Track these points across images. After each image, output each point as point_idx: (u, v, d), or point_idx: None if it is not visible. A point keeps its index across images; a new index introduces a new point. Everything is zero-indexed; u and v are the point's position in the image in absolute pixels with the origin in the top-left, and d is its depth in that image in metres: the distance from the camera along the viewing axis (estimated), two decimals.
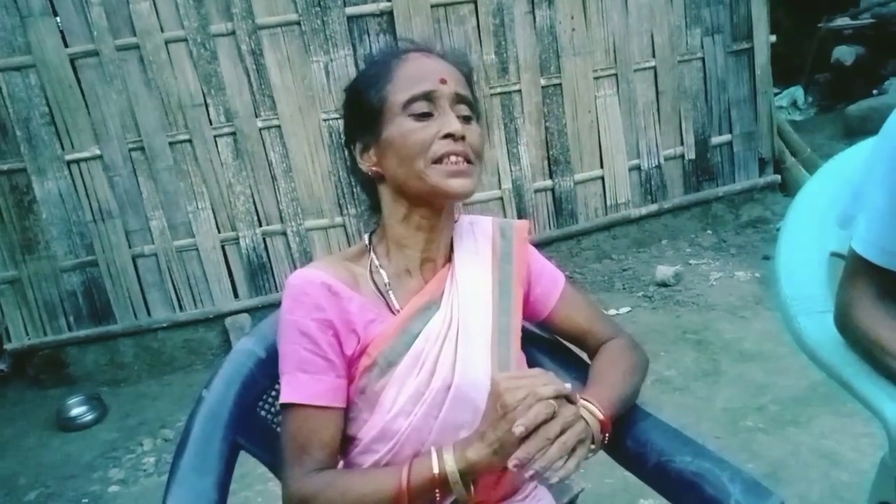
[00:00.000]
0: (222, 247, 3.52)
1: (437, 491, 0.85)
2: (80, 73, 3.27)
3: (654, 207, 4.08)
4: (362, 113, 0.97)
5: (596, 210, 4.00)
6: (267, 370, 1.08)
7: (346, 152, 1.03)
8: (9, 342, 3.38)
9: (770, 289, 3.26)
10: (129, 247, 3.42)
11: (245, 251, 3.54)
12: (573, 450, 0.83)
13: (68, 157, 3.31)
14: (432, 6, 3.58)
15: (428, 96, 0.92)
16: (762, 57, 4.16)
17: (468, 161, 0.93)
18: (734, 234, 4.10)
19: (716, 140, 4.18)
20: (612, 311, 3.35)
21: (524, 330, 1.11)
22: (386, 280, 0.98)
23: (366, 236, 1.04)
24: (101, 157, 3.33)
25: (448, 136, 0.91)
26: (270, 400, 1.09)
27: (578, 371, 1.10)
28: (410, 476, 0.85)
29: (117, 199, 3.38)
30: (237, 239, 3.52)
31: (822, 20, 6.90)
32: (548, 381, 0.84)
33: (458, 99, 0.95)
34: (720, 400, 2.51)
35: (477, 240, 1.05)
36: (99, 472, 2.66)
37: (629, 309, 3.37)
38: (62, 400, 3.11)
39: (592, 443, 0.88)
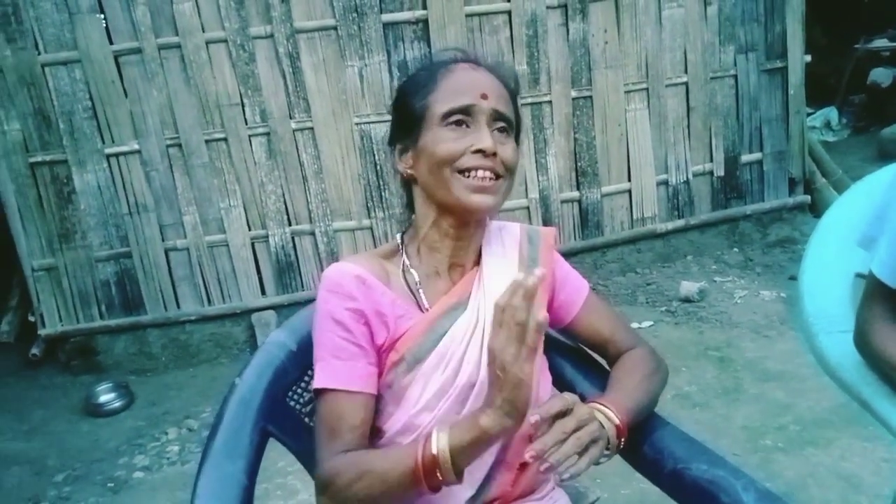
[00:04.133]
0: (252, 244, 3.59)
1: (437, 472, 0.83)
2: (123, 70, 3.37)
3: (680, 223, 4.07)
4: (405, 117, 1.01)
5: (622, 223, 4.01)
6: (297, 362, 1.12)
7: (390, 152, 1.07)
8: (43, 328, 3.48)
9: (795, 309, 3.25)
10: (163, 240, 3.51)
11: (274, 249, 3.60)
12: (586, 448, 0.85)
13: (108, 151, 3.41)
14: (467, 15, 3.62)
15: (466, 110, 0.96)
16: (796, 76, 4.14)
17: (497, 176, 0.97)
18: (761, 254, 4.08)
19: (746, 158, 4.16)
20: (635, 325, 3.35)
21: (547, 335, 1.14)
22: (416, 279, 1.02)
23: (398, 235, 1.08)
24: (139, 151, 3.43)
25: (479, 151, 0.95)
26: (300, 391, 1.13)
27: (599, 378, 1.13)
28: (425, 453, 0.84)
29: (153, 194, 3.47)
30: (267, 237, 3.59)
31: (859, 41, 6.83)
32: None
33: (497, 116, 0.98)
34: (740, 417, 2.50)
35: (505, 244, 1.09)
36: (124, 457, 2.73)
37: (651, 323, 3.37)
38: (91, 386, 3.21)
39: (608, 447, 0.91)
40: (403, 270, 1.03)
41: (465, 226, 1.02)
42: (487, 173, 0.96)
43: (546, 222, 3.86)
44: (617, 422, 0.92)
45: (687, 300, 3.54)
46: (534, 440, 0.86)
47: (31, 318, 3.55)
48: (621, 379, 1.04)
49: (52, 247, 3.44)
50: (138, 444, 2.81)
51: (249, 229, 3.58)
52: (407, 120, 1.01)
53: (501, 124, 0.99)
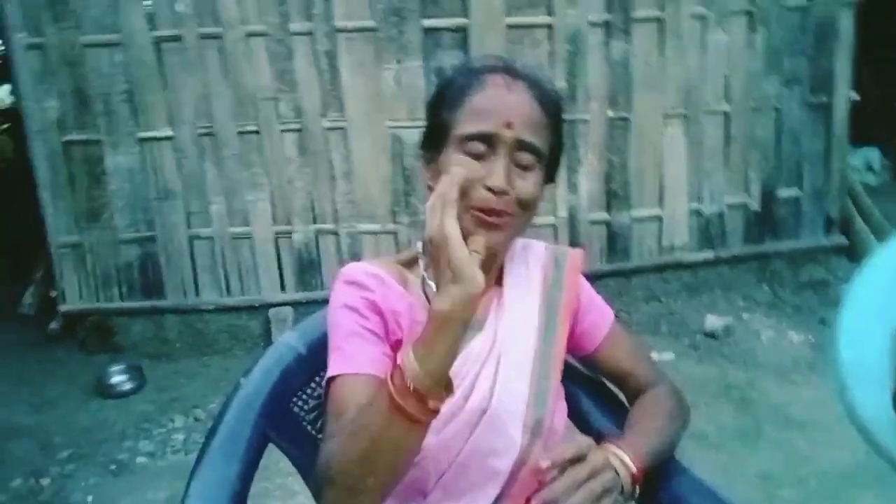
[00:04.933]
0: (276, 239, 3.58)
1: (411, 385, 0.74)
2: (163, 57, 3.39)
3: (710, 255, 3.98)
4: (433, 125, 0.96)
5: (650, 250, 3.93)
6: (305, 367, 1.08)
7: (422, 156, 1.02)
8: (63, 304, 3.50)
9: (825, 355, 3.14)
10: (188, 227, 3.52)
11: (297, 246, 3.59)
12: (598, 499, 0.80)
13: (141, 135, 3.43)
14: (508, 26, 3.59)
15: (486, 138, 0.89)
16: (840, 113, 4.03)
17: (503, 215, 0.90)
18: (792, 294, 3.96)
19: (783, 193, 4.06)
20: (655, 355, 3.26)
21: (565, 363, 1.09)
22: (435, 290, 0.97)
23: (418, 244, 1.04)
24: (172, 138, 3.45)
25: (490, 189, 0.88)
26: (304, 397, 1.09)
27: (616, 414, 1.08)
28: (393, 372, 0.76)
29: (182, 181, 3.48)
30: (291, 233, 3.58)
31: None
32: None
33: (520, 146, 0.90)
34: (757, 464, 2.41)
35: (528, 265, 1.04)
36: (130, 441, 2.72)
37: (673, 356, 3.28)
38: (105, 366, 3.21)
39: (622, 492, 0.86)
40: (423, 281, 0.99)
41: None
42: (496, 211, 0.89)
43: (573, 242, 3.79)
44: (633, 469, 0.87)
45: (711, 335, 3.45)
46: (543, 486, 0.81)
47: (53, 294, 3.57)
48: (640, 420, 0.99)
49: (78, 225, 3.47)
50: (145, 428, 2.81)
51: (274, 224, 3.57)
52: (434, 129, 0.96)
53: (525, 156, 0.91)
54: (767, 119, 3.97)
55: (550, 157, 0.97)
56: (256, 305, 3.57)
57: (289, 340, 1.10)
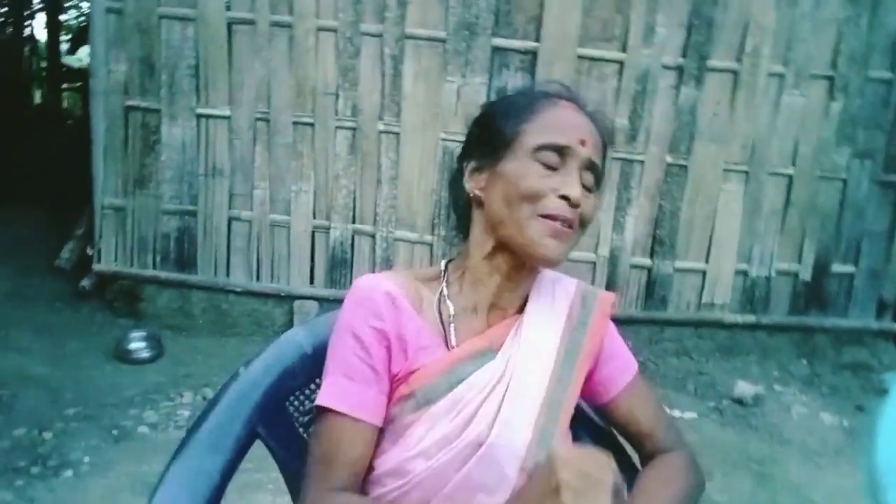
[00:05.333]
0: (312, 232, 3.58)
1: None
2: (233, 38, 3.44)
3: (751, 318, 3.83)
4: (491, 135, 0.93)
5: (688, 303, 3.80)
6: (308, 367, 1.04)
7: (457, 166, 1.00)
8: (98, 263, 3.55)
9: (857, 443, 2.98)
10: (229, 208, 3.54)
11: (332, 242, 3.58)
12: None
13: (199, 111, 3.47)
14: (579, 57, 3.54)
15: (562, 151, 0.88)
16: None
17: (571, 227, 0.88)
18: (831, 373, 3.78)
19: (837, 268, 3.89)
20: (677, 413, 3.14)
21: (578, 408, 1.03)
22: (451, 312, 0.93)
23: (443, 262, 0.99)
24: (228, 117, 3.48)
25: (565, 198, 0.87)
26: (302, 398, 1.05)
27: (626, 475, 1.00)
28: None
29: (231, 161, 3.52)
30: (328, 229, 3.57)
31: None
32: (612, 468, 0.75)
33: (589, 166, 0.90)
34: None
35: (555, 298, 0.98)
36: (136, 409, 2.72)
37: (695, 416, 3.15)
38: (126, 331, 3.23)
39: None
40: (439, 299, 0.94)
41: (521, 267, 0.93)
42: (567, 224, 0.87)
43: (610, 283, 3.70)
44: None
45: (739, 401, 3.30)
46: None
47: (90, 252, 3.63)
48: (652, 491, 0.91)
49: (125, 189, 3.53)
50: (153, 399, 2.80)
51: (314, 218, 3.57)
52: (492, 139, 0.92)
53: (591, 176, 0.90)
54: (833, 189, 3.82)
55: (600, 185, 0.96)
56: (283, 295, 3.56)
57: (296, 337, 1.05)
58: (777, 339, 3.88)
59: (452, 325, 0.92)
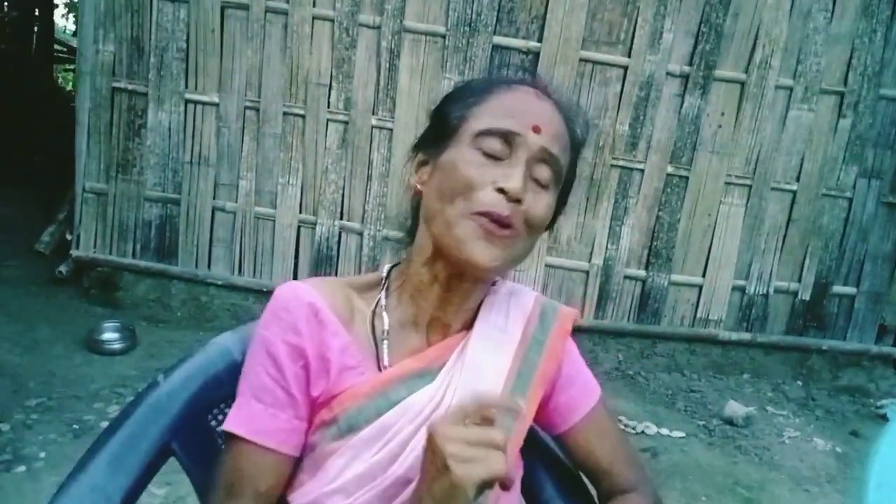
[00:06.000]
0: (298, 227, 3.47)
1: None
2: (226, 22, 3.34)
3: (746, 336, 3.72)
4: (438, 124, 0.82)
5: (682, 318, 3.69)
6: (237, 376, 0.93)
7: (411, 161, 0.88)
8: (76, 249, 3.45)
9: (850, 471, 2.87)
10: (214, 198, 3.44)
11: (318, 238, 3.48)
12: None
13: (188, 96, 3.37)
14: (581, 59, 3.43)
15: (507, 136, 0.76)
16: None
17: (511, 227, 0.75)
18: (826, 396, 3.67)
19: (837, 289, 3.77)
20: (665, 431, 3.03)
21: (535, 438, 0.92)
22: (386, 327, 0.82)
23: (385, 267, 0.88)
24: (217, 105, 3.38)
25: (503, 191, 0.74)
26: (227, 411, 0.94)
27: None
28: None
29: (218, 150, 3.42)
30: (315, 224, 3.47)
31: None
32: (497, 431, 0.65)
33: (543, 157, 0.77)
34: None
35: (509, 315, 0.86)
36: (101, 403, 2.62)
37: (683, 435, 3.04)
38: (100, 321, 3.13)
39: None
40: (374, 311, 0.83)
41: (461, 276, 0.80)
42: (504, 222, 0.74)
43: (602, 294, 3.59)
44: None
45: (730, 422, 3.19)
46: None
47: (69, 237, 3.53)
48: None
49: (108, 173, 3.43)
50: (119, 392, 2.70)
51: (301, 212, 3.47)
52: (439, 128, 0.81)
53: (545, 169, 0.78)
54: (837, 208, 3.71)
55: (562, 191, 0.84)
56: (264, 290, 3.46)
57: (226, 342, 0.94)
58: (772, 359, 3.77)
59: (386, 342, 0.81)
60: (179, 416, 0.88)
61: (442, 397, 0.78)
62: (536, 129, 0.76)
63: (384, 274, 0.87)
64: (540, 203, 0.78)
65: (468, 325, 0.85)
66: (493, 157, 0.76)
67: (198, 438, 0.91)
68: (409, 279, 0.83)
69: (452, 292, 0.82)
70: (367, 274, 0.90)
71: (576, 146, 0.84)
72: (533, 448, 0.93)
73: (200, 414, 0.91)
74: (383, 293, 0.84)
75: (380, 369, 0.80)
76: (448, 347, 0.82)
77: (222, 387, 0.93)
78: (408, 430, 0.76)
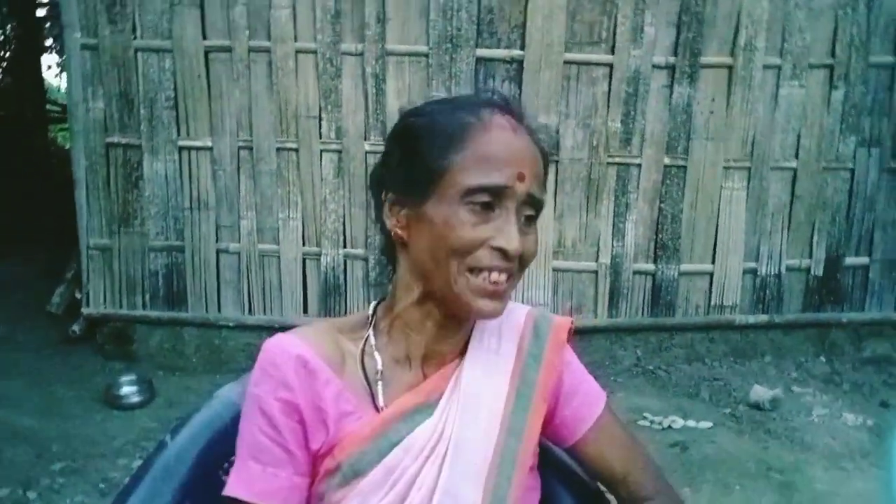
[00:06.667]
0: (303, 260, 3.48)
1: None
2: (211, 66, 3.37)
3: (763, 318, 3.68)
4: (413, 166, 0.78)
5: (697, 307, 3.66)
6: None
7: (372, 190, 0.86)
8: (86, 307, 3.48)
9: (884, 443, 2.82)
10: (217, 240, 3.46)
11: (324, 269, 3.49)
12: None
13: (181, 143, 3.41)
14: (566, 62, 3.44)
15: (498, 192, 0.75)
16: None
17: (509, 278, 0.77)
18: (851, 369, 3.62)
19: (850, 261, 3.74)
20: (692, 423, 3.00)
21: (548, 454, 0.91)
22: (379, 366, 0.81)
23: (371, 305, 0.88)
24: (210, 148, 3.41)
25: (501, 250, 0.75)
26: None
27: None
28: None
29: (216, 193, 3.44)
30: (319, 255, 3.48)
31: None
32: None
33: (529, 201, 0.77)
34: None
35: (501, 335, 0.85)
36: (125, 458, 2.63)
37: (711, 425, 3.00)
38: (117, 375, 3.15)
39: None
40: (363, 353, 0.82)
41: (454, 316, 0.81)
42: (503, 276, 0.76)
43: (613, 292, 3.58)
44: None
45: (756, 406, 3.15)
46: None
47: (78, 296, 3.56)
48: None
49: (110, 228, 3.46)
50: (142, 446, 2.71)
51: (304, 245, 3.48)
52: (414, 170, 0.78)
53: (531, 212, 0.78)
54: (840, 181, 3.68)
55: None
56: (277, 326, 3.45)
57: (228, 395, 0.95)
58: (793, 338, 3.73)
59: (380, 381, 0.80)
60: (190, 475, 0.89)
61: (442, 430, 0.78)
62: (522, 178, 0.75)
63: (370, 312, 0.86)
64: (531, 241, 0.78)
65: (462, 351, 0.84)
66: (482, 208, 0.75)
67: (211, 493, 0.90)
68: (399, 317, 0.83)
69: (447, 329, 0.82)
70: (353, 315, 0.89)
71: (546, 164, 0.82)
72: (547, 464, 0.92)
73: (211, 470, 0.91)
74: (371, 332, 0.84)
75: (377, 410, 0.79)
76: (443, 377, 0.82)
77: (230, 439, 0.92)
78: (413, 469, 0.75)
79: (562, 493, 0.95)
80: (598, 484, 0.93)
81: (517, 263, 0.77)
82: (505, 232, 0.74)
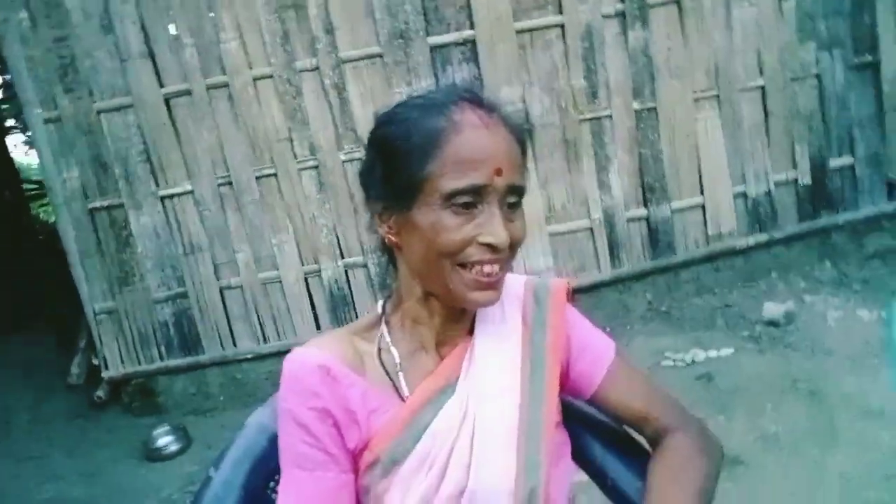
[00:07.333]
0: (305, 279, 3.52)
1: None
2: (174, 112, 3.39)
3: (762, 237, 3.72)
4: (394, 176, 0.81)
5: (696, 241, 3.70)
6: None
7: (364, 197, 0.89)
8: (106, 370, 3.52)
9: (890, 339, 2.87)
10: (217, 279, 3.50)
11: (327, 284, 3.53)
12: None
13: (162, 193, 3.43)
14: (517, 32, 3.46)
15: (478, 191, 0.78)
16: (890, 70, 3.73)
17: (501, 268, 0.81)
18: (857, 268, 3.67)
19: (835, 163, 3.77)
20: (713, 353, 3.05)
21: (571, 408, 0.95)
22: (397, 360, 0.86)
23: (380, 303, 0.92)
24: (192, 192, 3.44)
25: (489, 245, 0.78)
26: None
27: (636, 462, 0.93)
28: None
29: (207, 233, 3.47)
30: (319, 271, 3.52)
31: None
32: None
33: (510, 190, 0.80)
34: (837, 464, 2.18)
35: (504, 307, 0.90)
36: None
37: (732, 351, 3.05)
38: (151, 429, 3.20)
39: None
40: (379, 350, 0.87)
41: (457, 307, 0.86)
42: (495, 267, 0.79)
43: (612, 243, 3.62)
44: None
45: (772, 324, 3.20)
46: None
47: (95, 362, 3.60)
48: (664, 490, 0.83)
49: (112, 290, 3.49)
50: (190, 491, 2.75)
51: (302, 264, 3.52)
52: (396, 180, 0.81)
53: (514, 199, 0.81)
54: (808, 88, 3.71)
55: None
56: (293, 348, 3.50)
57: (260, 420, 0.99)
58: (794, 251, 3.77)
59: (401, 372, 0.85)
60: (240, 501, 0.93)
61: (467, 407, 0.82)
62: (499, 173, 0.78)
63: (380, 310, 0.91)
64: (517, 227, 0.82)
65: (471, 331, 0.89)
66: (466, 207, 0.78)
67: None
68: (407, 313, 0.87)
69: (453, 318, 0.87)
70: (363, 317, 0.94)
71: (524, 147, 0.85)
72: (573, 418, 0.96)
73: (259, 490, 0.96)
74: (385, 329, 0.88)
75: (402, 400, 0.84)
76: (458, 357, 0.86)
77: (270, 460, 0.96)
78: (446, 448, 0.80)
79: (591, 442, 0.99)
80: (625, 427, 0.97)
81: (508, 252, 0.80)
82: (490, 227, 0.78)
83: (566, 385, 0.91)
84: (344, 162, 3.45)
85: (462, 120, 0.79)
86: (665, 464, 0.86)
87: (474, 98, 0.83)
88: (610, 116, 3.57)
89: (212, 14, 3.34)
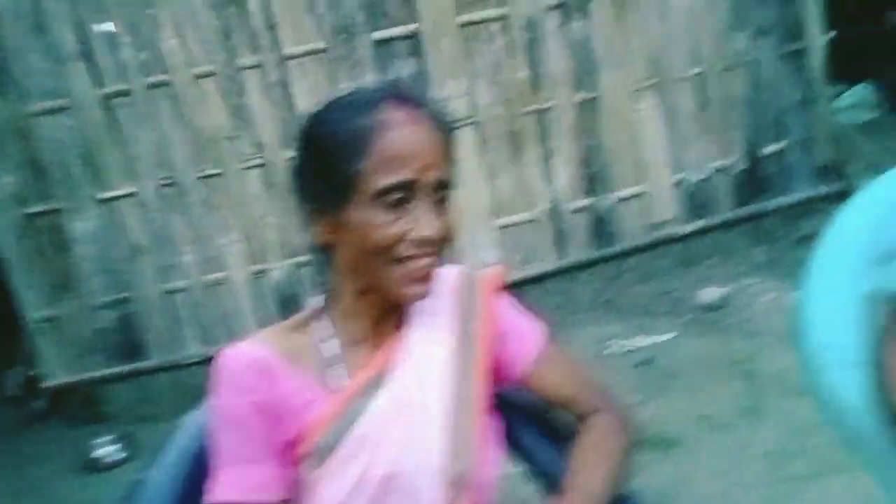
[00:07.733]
0: (254, 279, 3.50)
1: None
2: (115, 113, 3.31)
3: (700, 223, 3.84)
4: (324, 178, 0.83)
5: (638, 229, 3.80)
6: None
7: (296, 197, 0.91)
8: (45, 380, 3.42)
9: (797, 339, 3.00)
10: (162, 282, 3.44)
11: (276, 283, 3.51)
12: None
13: (102, 196, 3.35)
14: (461, 25, 3.49)
15: (407, 186, 0.80)
16: (816, 57, 3.88)
17: (434, 262, 0.84)
18: (790, 251, 3.80)
19: (768, 149, 3.91)
20: (656, 339, 3.15)
21: (502, 394, 0.99)
22: (335, 352, 0.88)
23: (316, 299, 0.94)
24: (134, 194, 3.37)
25: (421, 241, 0.81)
26: None
27: (561, 445, 0.97)
28: None
29: (150, 236, 3.41)
30: (268, 271, 3.49)
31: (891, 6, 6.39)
32: None
33: (439, 185, 0.83)
34: (764, 440, 2.29)
35: (438, 298, 0.92)
36: None
37: (673, 335, 3.15)
38: (93, 440, 3.11)
39: None
40: (316, 343, 0.89)
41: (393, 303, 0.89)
42: (428, 261, 0.82)
43: (557, 234, 3.68)
44: None
45: (710, 308, 3.32)
46: None
47: (31, 373, 3.49)
48: (581, 471, 0.89)
49: (51, 297, 3.40)
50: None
51: (251, 265, 3.49)
52: (326, 181, 0.83)
53: (443, 193, 0.84)
54: (742, 76, 3.83)
55: None
56: None
57: (198, 419, 1.00)
58: (731, 236, 3.90)
59: (336, 366, 0.88)
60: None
61: (400, 395, 0.85)
62: (427, 168, 0.81)
63: (316, 306, 0.93)
64: (448, 220, 0.84)
65: (405, 322, 0.92)
66: (397, 204, 0.81)
67: None
68: (343, 308, 0.90)
69: (388, 311, 0.89)
70: (304, 311, 0.95)
71: (451, 141, 0.87)
72: (503, 403, 1.00)
73: (196, 496, 0.96)
74: (321, 323, 0.90)
75: (338, 392, 0.86)
76: (392, 348, 0.89)
77: (206, 460, 0.98)
78: (381, 433, 0.83)
79: (526, 426, 1.03)
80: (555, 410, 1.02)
81: (441, 244, 0.83)
82: (422, 222, 0.80)
83: (499, 372, 0.94)
84: (290, 159, 3.42)
85: (389, 117, 0.81)
86: (587, 440, 0.92)
87: (401, 94, 0.85)
88: (553, 108, 3.63)
89: (149, 11, 3.27)
